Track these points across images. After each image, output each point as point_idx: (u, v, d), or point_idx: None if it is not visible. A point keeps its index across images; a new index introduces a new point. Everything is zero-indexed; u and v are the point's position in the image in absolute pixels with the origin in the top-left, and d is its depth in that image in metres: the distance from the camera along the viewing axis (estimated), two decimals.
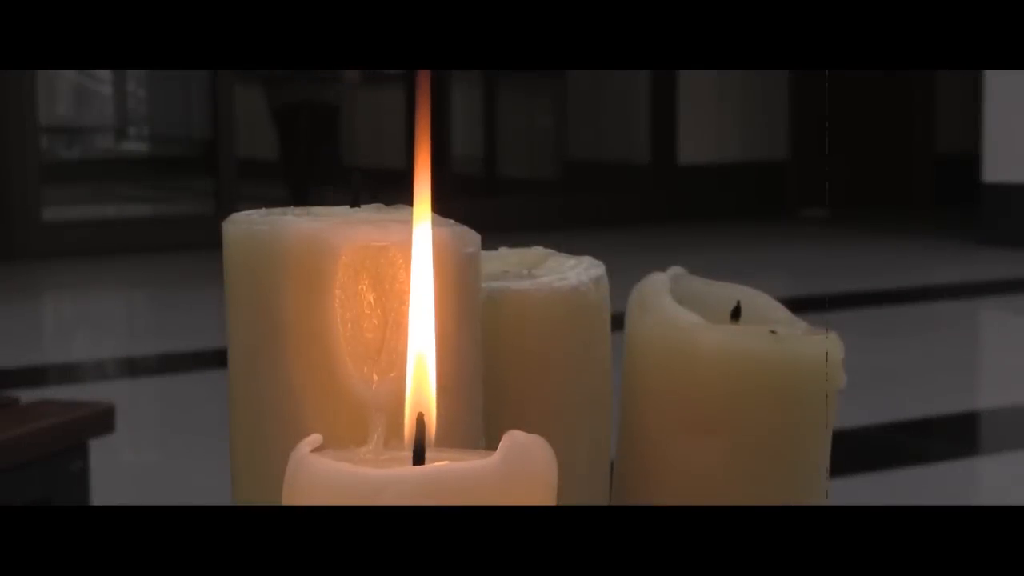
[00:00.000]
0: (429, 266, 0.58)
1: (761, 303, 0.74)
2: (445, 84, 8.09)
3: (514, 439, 0.56)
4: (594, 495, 0.73)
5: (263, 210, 0.67)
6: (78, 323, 5.77)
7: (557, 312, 0.72)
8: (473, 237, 0.66)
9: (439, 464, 0.56)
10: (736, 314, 0.73)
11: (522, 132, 8.86)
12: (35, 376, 4.41)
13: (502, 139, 8.72)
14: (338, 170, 6.86)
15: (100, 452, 2.10)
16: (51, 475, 1.92)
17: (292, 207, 0.68)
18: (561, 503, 0.57)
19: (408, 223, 0.64)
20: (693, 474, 0.70)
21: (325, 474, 0.55)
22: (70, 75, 9.24)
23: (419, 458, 0.57)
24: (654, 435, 0.71)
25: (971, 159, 7.40)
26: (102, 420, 1.99)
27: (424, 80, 0.58)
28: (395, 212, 0.67)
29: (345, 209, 0.68)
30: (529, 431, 0.56)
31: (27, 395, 2.05)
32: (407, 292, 0.63)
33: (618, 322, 0.73)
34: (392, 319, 0.63)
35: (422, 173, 0.57)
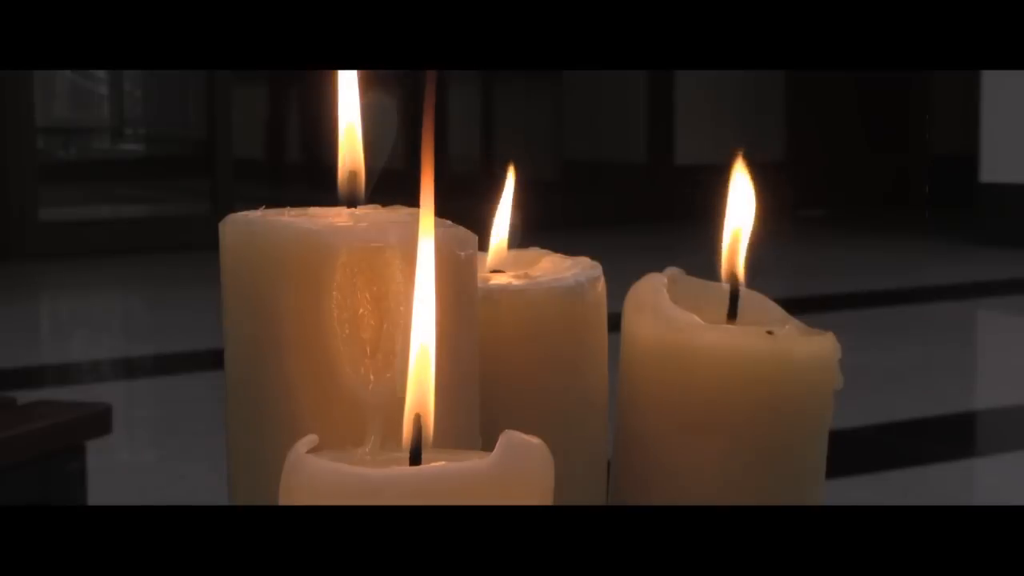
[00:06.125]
0: (431, 267, 0.58)
1: (758, 303, 0.74)
2: (442, 84, 8.08)
3: (511, 439, 0.56)
4: (591, 495, 0.73)
5: (260, 211, 0.67)
6: (75, 323, 5.76)
7: (554, 312, 0.72)
8: (470, 238, 0.66)
9: (436, 464, 0.56)
10: (732, 314, 0.73)
11: (519, 132, 8.86)
12: (32, 377, 4.41)
13: (499, 139, 8.71)
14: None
15: (97, 453, 2.10)
16: (48, 476, 1.92)
17: (289, 207, 0.68)
18: (558, 503, 0.57)
19: (405, 224, 0.64)
20: (690, 474, 0.70)
21: (322, 474, 0.55)
22: (67, 75, 9.24)
23: (416, 458, 0.57)
24: (651, 435, 0.71)
25: (968, 159, 7.40)
26: (99, 421, 1.99)
27: (431, 82, 0.58)
28: (393, 213, 0.67)
29: (342, 210, 0.68)
30: (526, 431, 0.56)
31: (24, 395, 2.05)
32: (404, 293, 0.63)
33: (615, 322, 0.73)
34: (389, 320, 0.63)
35: (427, 176, 0.57)
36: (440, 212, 0.66)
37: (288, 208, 0.68)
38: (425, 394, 0.57)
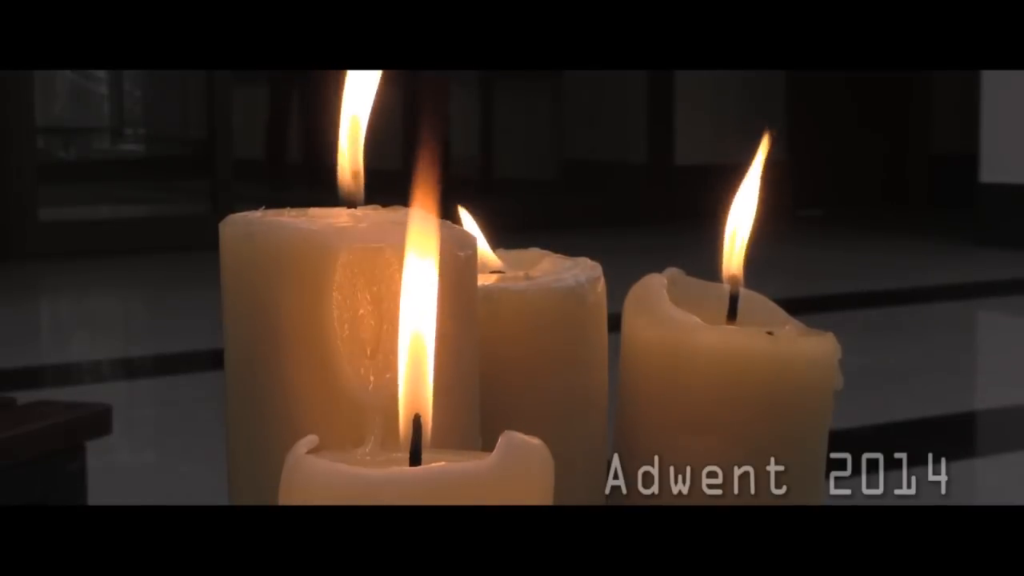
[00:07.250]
0: (431, 269, 0.58)
1: (758, 304, 0.74)
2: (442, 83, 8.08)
3: (511, 440, 0.56)
4: (591, 495, 0.73)
5: (260, 211, 0.67)
6: (75, 324, 5.76)
7: (554, 313, 0.72)
8: (469, 238, 0.66)
9: (436, 465, 0.56)
10: (732, 315, 0.73)
11: (519, 132, 8.85)
12: (32, 377, 4.40)
13: (498, 139, 8.71)
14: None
15: (97, 453, 2.10)
16: (48, 476, 1.92)
17: (289, 208, 0.68)
18: (558, 503, 0.57)
19: (406, 224, 0.64)
20: (689, 474, 0.70)
21: (322, 475, 0.55)
22: (67, 75, 9.24)
23: (416, 459, 0.57)
24: (651, 435, 0.71)
25: (969, 159, 7.40)
26: (99, 421, 1.99)
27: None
28: (393, 213, 0.67)
29: (342, 210, 0.68)
30: (526, 432, 0.56)
31: (24, 396, 2.05)
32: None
33: (615, 322, 0.73)
34: (388, 320, 0.63)
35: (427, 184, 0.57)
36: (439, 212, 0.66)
37: (288, 208, 0.68)
38: (421, 393, 0.57)
